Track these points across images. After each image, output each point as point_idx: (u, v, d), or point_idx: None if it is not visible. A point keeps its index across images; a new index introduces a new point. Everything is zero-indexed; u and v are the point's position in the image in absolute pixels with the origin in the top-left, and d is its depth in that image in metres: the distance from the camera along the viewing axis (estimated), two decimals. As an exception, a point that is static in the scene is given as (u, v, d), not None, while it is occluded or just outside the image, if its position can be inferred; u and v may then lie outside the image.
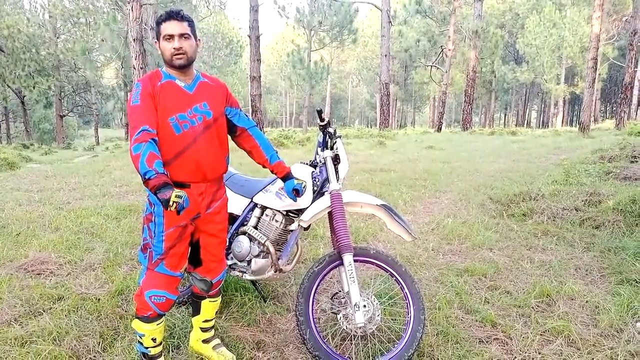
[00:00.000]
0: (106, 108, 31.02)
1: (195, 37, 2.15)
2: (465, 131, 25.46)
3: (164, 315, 2.19)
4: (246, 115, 2.45)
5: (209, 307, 2.43)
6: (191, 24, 2.12)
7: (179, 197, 1.81)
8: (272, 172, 2.51)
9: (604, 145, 10.69)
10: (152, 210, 2.11)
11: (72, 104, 37.54)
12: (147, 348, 2.18)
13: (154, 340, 2.18)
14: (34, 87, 27.45)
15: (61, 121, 32.74)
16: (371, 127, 38.05)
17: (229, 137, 2.41)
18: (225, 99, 2.32)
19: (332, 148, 2.70)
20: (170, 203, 1.79)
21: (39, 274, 3.44)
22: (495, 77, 41.50)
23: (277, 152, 2.53)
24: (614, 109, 45.55)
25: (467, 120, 26.90)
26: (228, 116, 2.36)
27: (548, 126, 43.45)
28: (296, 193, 2.48)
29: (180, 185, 2.12)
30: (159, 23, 2.11)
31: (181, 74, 2.16)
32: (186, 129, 2.11)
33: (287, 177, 2.49)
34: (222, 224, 2.35)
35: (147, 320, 2.13)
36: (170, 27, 2.07)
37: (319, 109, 2.60)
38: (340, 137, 2.72)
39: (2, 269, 3.52)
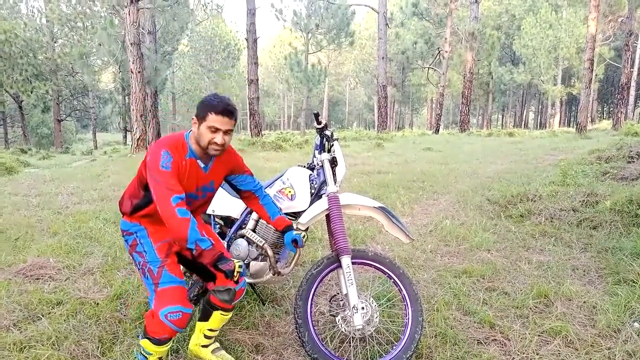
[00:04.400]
0: (104, 112, 31.03)
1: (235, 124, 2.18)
2: (462, 132, 25.51)
3: (180, 332, 2.16)
4: (252, 178, 2.50)
5: (219, 319, 2.40)
6: (236, 118, 2.15)
7: (241, 267, 2.05)
8: (274, 227, 2.57)
9: (601, 145, 10.70)
10: (135, 236, 2.19)
11: (69, 109, 37.51)
12: None
13: (160, 359, 2.18)
14: (31, 92, 27.43)
15: (59, 125, 32.72)
16: (369, 129, 38.12)
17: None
18: (229, 170, 2.38)
19: (329, 151, 2.72)
20: (235, 273, 2.00)
21: (37, 279, 3.44)
22: (492, 78, 41.57)
23: (280, 210, 2.58)
24: (611, 109, 45.71)
25: (464, 122, 26.95)
26: (232, 181, 2.45)
27: (545, 127, 43.53)
28: (295, 244, 2.49)
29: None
30: (208, 109, 2.07)
31: (204, 154, 2.19)
32: (189, 205, 2.19)
33: (286, 229, 2.51)
34: (207, 232, 2.41)
35: (159, 342, 2.09)
36: (221, 122, 2.07)
37: (315, 112, 2.62)
38: (337, 139, 2.73)
39: (1, 273, 3.52)
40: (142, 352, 2.15)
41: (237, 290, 2.33)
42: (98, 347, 2.52)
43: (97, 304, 3.02)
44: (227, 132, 2.11)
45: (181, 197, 1.98)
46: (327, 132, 2.69)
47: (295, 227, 2.74)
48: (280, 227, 2.52)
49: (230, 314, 2.44)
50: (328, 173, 2.61)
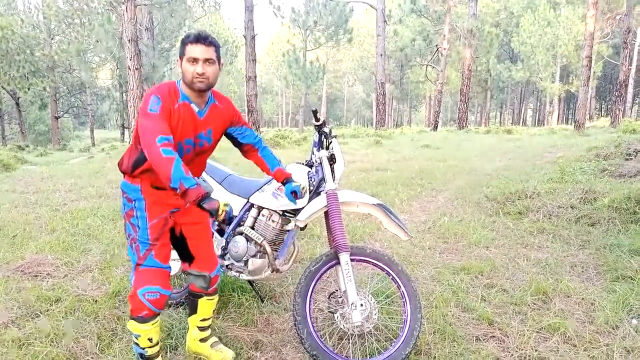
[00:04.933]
0: (101, 109, 30.92)
1: (219, 62, 2.15)
2: (461, 130, 25.51)
3: (160, 313, 2.18)
4: (251, 130, 2.50)
5: (207, 305, 2.43)
6: (217, 49, 2.13)
7: (227, 205, 1.96)
8: (274, 178, 2.57)
9: (599, 143, 10.73)
10: (133, 206, 2.15)
11: (67, 105, 37.37)
12: (143, 349, 2.17)
13: (150, 340, 2.17)
14: (28, 89, 27.30)
15: (56, 122, 32.59)
16: (368, 127, 38.07)
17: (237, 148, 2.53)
18: (229, 121, 2.36)
19: (327, 148, 2.71)
20: (220, 212, 1.92)
21: (35, 276, 3.43)
22: (490, 75, 41.55)
23: (279, 161, 2.58)
24: (609, 106, 45.76)
25: (462, 119, 26.94)
26: (233, 134, 2.43)
27: (544, 124, 43.54)
28: (295, 195, 2.51)
29: (161, 188, 2.17)
30: (184, 43, 2.09)
31: (197, 97, 2.17)
32: (188, 153, 2.18)
33: (286, 181, 2.53)
34: (203, 215, 2.34)
35: (142, 320, 2.12)
36: (197, 50, 2.06)
37: (314, 108, 2.61)
38: (335, 136, 2.73)
39: (-1, 271, 3.51)
40: (134, 339, 2.18)
41: (212, 276, 2.35)
42: (97, 344, 2.52)
43: (96, 301, 3.02)
44: (207, 62, 2.08)
45: (167, 138, 1.94)
46: (326, 129, 2.69)
47: (294, 224, 2.74)
48: (280, 179, 2.53)
49: (215, 297, 2.47)
50: (326, 170, 2.61)
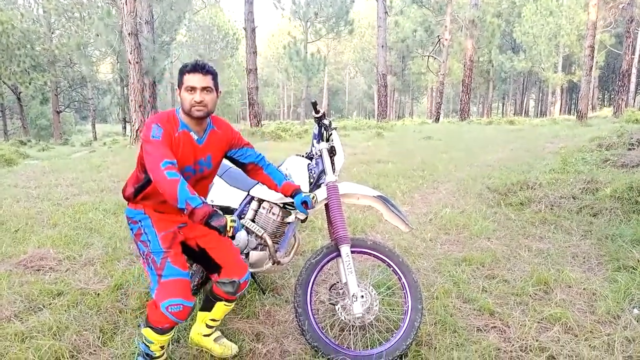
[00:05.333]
0: (103, 103, 30.93)
1: (217, 90, 2.18)
2: (463, 121, 25.44)
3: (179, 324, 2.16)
4: (253, 150, 2.48)
5: (221, 309, 2.40)
6: (215, 77, 2.15)
7: (234, 221, 1.96)
8: (282, 194, 2.51)
9: (601, 133, 10.69)
10: (140, 225, 2.20)
11: (68, 100, 37.38)
12: (152, 351, 2.17)
13: (162, 347, 2.19)
14: (29, 83, 27.29)
15: (58, 117, 32.62)
16: (369, 119, 37.98)
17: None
18: (228, 145, 2.36)
19: (328, 140, 2.70)
20: (228, 228, 1.93)
21: (38, 270, 3.45)
22: (492, 66, 41.39)
23: (285, 176, 2.55)
24: (612, 96, 45.53)
25: (464, 110, 26.87)
26: (234, 157, 2.43)
27: (546, 115, 43.38)
28: (305, 205, 2.45)
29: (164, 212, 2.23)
30: (182, 72, 2.12)
31: (196, 125, 2.19)
32: (188, 180, 2.21)
33: (295, 193, 2.47)
34: None
35: (162, 332, 2.10)
36: (194, 79, 2.08)
37: (313, 100, 2.60)
38: (335, 129, 2.72)
39: (1, 265, 3.52)
40: (144, 340, 2.16)
41: (242, 282, 2.31)
42: (99, 337, 2.53)
43: (98, 294, 3.03)
44: (205, 90, 2.10)
45: (171, 162, 1.97)
46: (325, 122, 2.68)
47: (294, 217, 2.74)
48: (289, 193, 2.49)
49: (232, 305, 2.44)
50: (327, 162, 2.61)
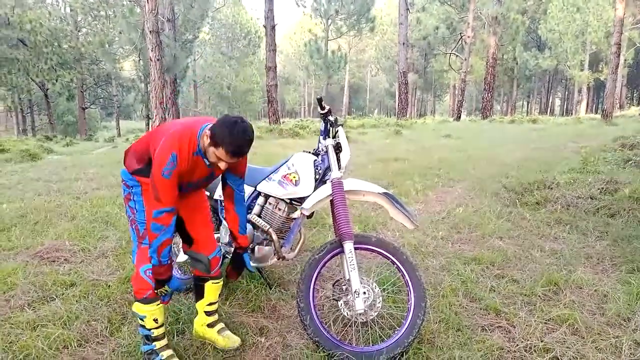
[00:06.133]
0: (127, 100, 31.43)
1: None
2: (484, 119, 25.09)
3: None
4: (243, 181, 2.46)
5: (213, 288, 2.48)
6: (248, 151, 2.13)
7: (162, 293, 2.18)
8: (234, 239, 2.51)
9: (626, 132, 10.43)
10: (131, 191, 2.28)
11: (94, 97, 38.17)
12: (150, 329, 2.23)
13: (155, 320, 2.23)
14: (56, 80, 27.99)
15: (83, 113, 33.34)
16: (390, 117, 37.74)
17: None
18: (231, 165, 2.29)
19: (334, 136, 2.71)
20: (157, 290, 2.17)
21: (53, 261, 3.54)
22: (517, 64, 40.67)
23: (246, 226, 2.55)
24: (641, 95, 44.24)
25: (486, 109, 26.50)
26: (225, 173, 2.40)
27: (572, 114, 42.46)
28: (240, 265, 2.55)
29: None
30: (223, 141, 1.99)
31: None
32: (186, 191, 2.29)
33: (244, 250, 2.52)
34: (201, 200, 2.48)
35: (146, 301, 2.19)
36: (229, 159, 2.06)
37: (319, 96, 2.61)
38: (341, 125, 2.73)
39: (19, 256, 3.63)
40: (139, 320, 2.24)
41: (211, 258, 2.42)
42: (107, 327, 2.59)
43: (109, 286, 3.10)
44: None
45: (164, 210, 2.05)
46: (331, 118, 2.68)
47: (300, 213, 2.75)
48: (239, 245, 2.50)
49: (221, 281, 2.52)
50: (332, 158, 2.61)
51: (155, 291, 2.16)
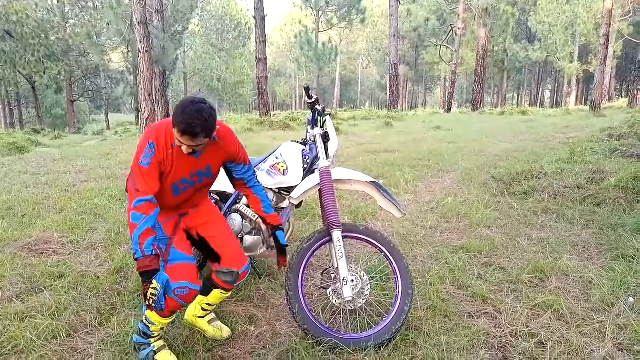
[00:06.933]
0: (116, 93, 31.20)
1: (211, 137, 2.03)
2: (475, 111, 25.20)
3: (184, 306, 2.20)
4: (250, 167, 2.42)
5: (218, 296, 2.43)
6: (208, 134, 1.97)
7: (154, 295, 1.93)
8: (264, 221, 2.48)
9: (613, 123, 10.54)
10: None
11: (82, 89, 37.76)
12: (152, 331, 2.20)
13: (162, 329, 2.24)
14: (44, 73, 27.66)
15: (72, 106, 33.00)
16: (381, 109, 37.80)
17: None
18: (227, 157, 2.29)
19: (322, 126, 2.72)
20: (148, 297, 1.93)
21: (41, 253, 3.52)
22: (507, 56, 40.82)
23: (270, 204, 2.51)
24: (630, 87, 44.65)
25: (477, 100, 26.62)
26: (228, 166, 2.36)
27: (561, 105, 42.73)
28: (279, 245, 2.47)
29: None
30: (174, 121, 1.93)
31: None
32: (184, 192, 2.22)
33: (277, 228, 2.46)
34: (212, 212, 2.42)
35: (166, 316, 2.15)
36: (183, 140, 1.95)
37: (306, 85, 2.61)
38: (329, 114, 2.73)
39: (7, 248, 3.60)
40: (145, 321, 2.19)
41: (240, 272, 2.34)
42: (96, 317, 2.59)
43: (98, 277, 3.10)
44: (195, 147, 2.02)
45: (143, 200, 1.98)
46: (319, 107, 2.69)
47: (288, 202, 2.76)
48: (273, 225, 2.46)
49: (229, 293, 2.47)
50: (320, 148, 2.62)
51: (145, 293, 1.95)
